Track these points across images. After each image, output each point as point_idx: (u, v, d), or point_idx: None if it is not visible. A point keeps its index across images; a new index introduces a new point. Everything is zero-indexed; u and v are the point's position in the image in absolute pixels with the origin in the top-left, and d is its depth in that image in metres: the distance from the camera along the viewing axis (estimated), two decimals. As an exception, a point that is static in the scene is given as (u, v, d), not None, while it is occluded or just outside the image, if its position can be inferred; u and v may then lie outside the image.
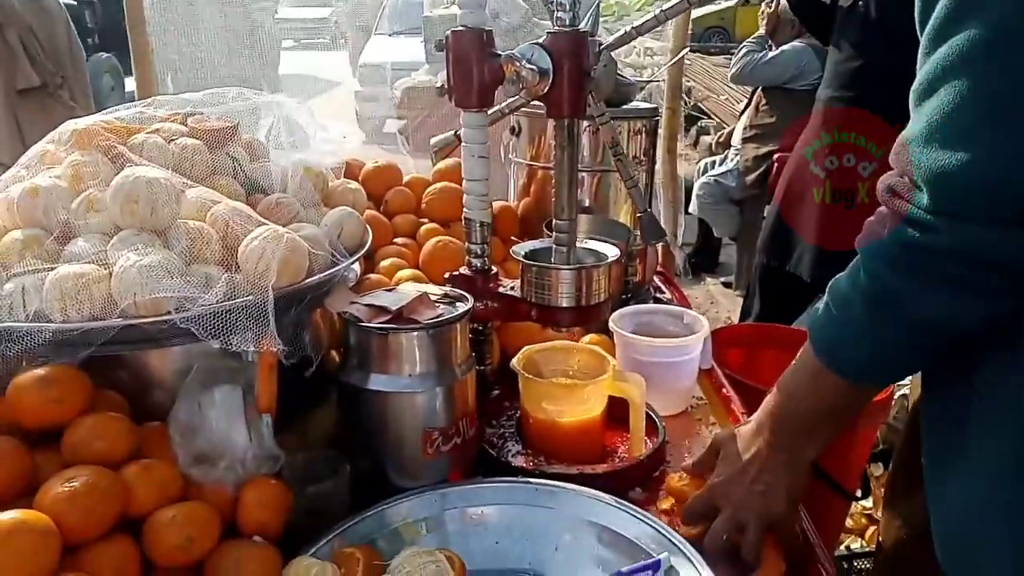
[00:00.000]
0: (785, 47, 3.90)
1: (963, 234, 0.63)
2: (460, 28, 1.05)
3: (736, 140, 4.35)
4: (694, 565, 0.84)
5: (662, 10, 1.12)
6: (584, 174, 1.69)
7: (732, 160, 4.29)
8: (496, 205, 1.72)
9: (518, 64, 1.03)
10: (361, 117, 8.69)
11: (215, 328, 0.82)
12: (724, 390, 1.34)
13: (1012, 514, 0.68)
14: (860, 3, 2.57)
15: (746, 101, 4.50)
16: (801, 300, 2.97)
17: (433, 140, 1.28)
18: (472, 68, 1.06)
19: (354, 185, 1.21)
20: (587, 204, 1.69)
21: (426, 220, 1.61)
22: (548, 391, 1.14)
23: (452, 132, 1.26)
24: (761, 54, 3.92)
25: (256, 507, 0.83)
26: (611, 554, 0.90)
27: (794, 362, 0.85)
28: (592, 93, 1.10)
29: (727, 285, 4.52)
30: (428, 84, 4.24)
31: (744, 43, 4.08)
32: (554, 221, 1.13)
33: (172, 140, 1.05)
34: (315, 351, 1.00)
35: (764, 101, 4.10)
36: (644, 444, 1.16)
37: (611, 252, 1.14)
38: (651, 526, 0.90)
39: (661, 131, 2.44)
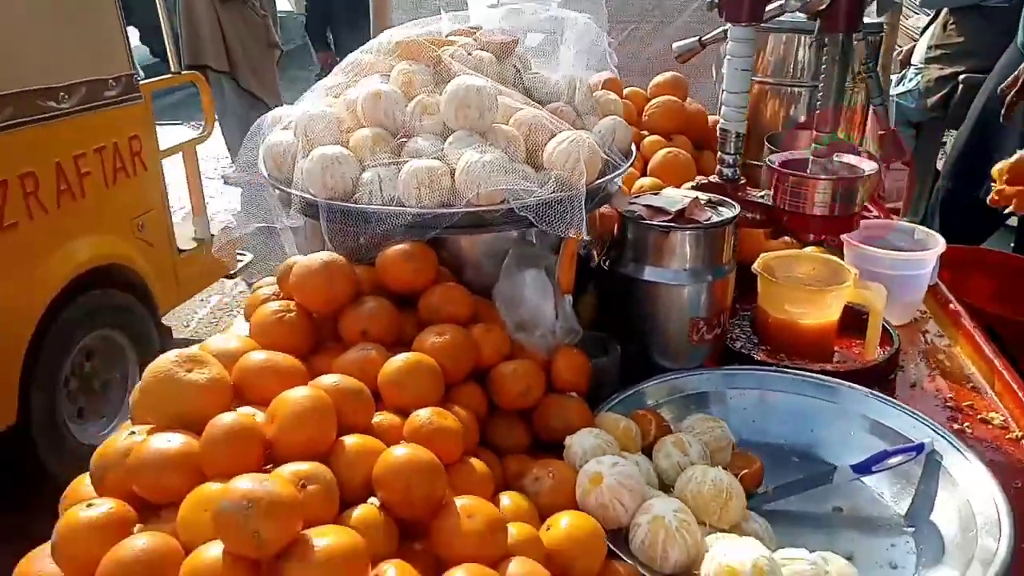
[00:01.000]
0: None
1: None
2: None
3: (917, 59, 4.08)
4: (960, 452, 0.93)
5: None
6: (801, 89, 1.71)
7: (912, 80, 4.04)
8: (710, 119, 1.78)
9: (801, -21, 1.08)
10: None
11: (544, 217, 0.95)
12: (951, 305, 1.38)
13: None
14: None
15: (930, 17, 4.18)
16: (983, 227, 2.86)
17: (676, 45, 1.34)
18: (749, -18, 1.12)
19: (614, 96, 1.30)
20: (801, 120, 1.71)
21: (646, 132, 1.69)
22: (792, 295, 1.23)
23: (696, 38, 1.32)
24: None
25: (567, 370, 0.99)
26: (873, 439, 1.00)
27: None
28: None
29: (894, 212, 4.35)
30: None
31: None
32: (814, 133, 1.19)
33: (469, 53, 1.18)
34: (596, 244, 1.13)
35: (952, 19, 3.80)
36: (877, 350, 1.23)
37: (868, 166, 1.19)
38: (913, 417, 0.99)
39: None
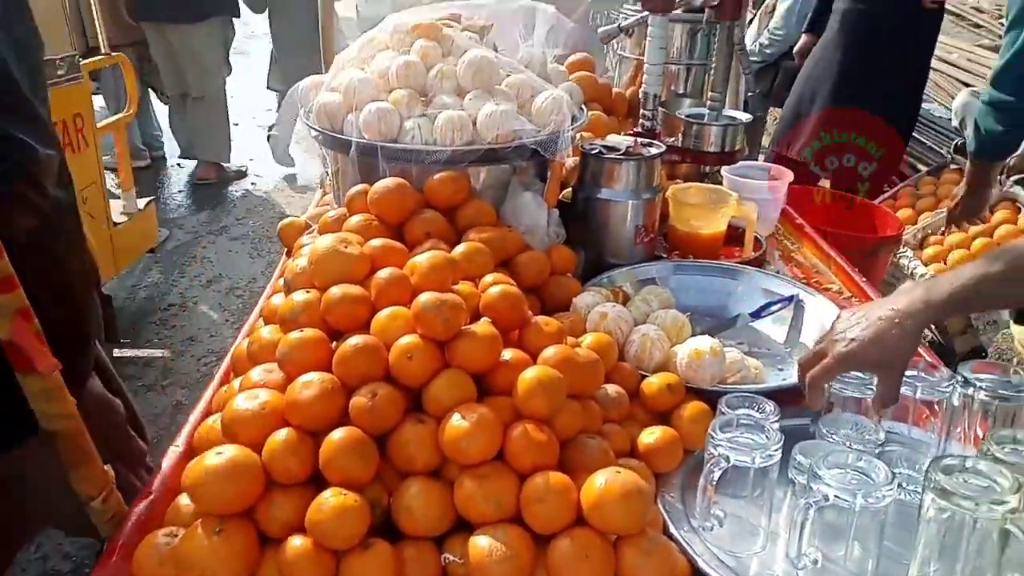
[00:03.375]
0: None
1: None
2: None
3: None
4: (816, 298, 1.43)
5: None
6: (679, 67, 2.21)
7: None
8: (613, 91, 2.24)
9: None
10: (362, 17, 8.81)
11: (545, 147, 1.35)
12: (797, 220, 1.93)
13: None
14: None
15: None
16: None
17: (601, 30, 1.79)
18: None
19: (561, 67, 1.72)
20: (683, 91, 2.21)
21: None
22: (695, 212, 1.71)
23: (616, 24, 1.77)
24: None
25: (560, 260, 1.40)
26: (759, 298, 1.49)
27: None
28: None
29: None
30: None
31: None
32: (709, 94, 1.67)
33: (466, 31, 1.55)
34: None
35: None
36: (751, 251, 1.74)
37: (744, 116, 1.69)
38: (785, 281, 1.49)
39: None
